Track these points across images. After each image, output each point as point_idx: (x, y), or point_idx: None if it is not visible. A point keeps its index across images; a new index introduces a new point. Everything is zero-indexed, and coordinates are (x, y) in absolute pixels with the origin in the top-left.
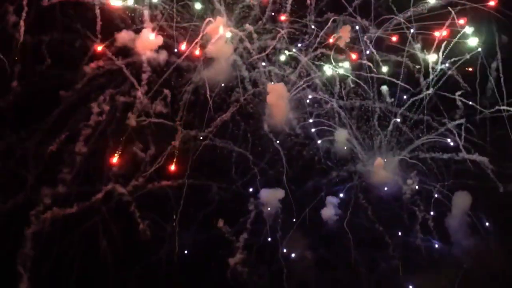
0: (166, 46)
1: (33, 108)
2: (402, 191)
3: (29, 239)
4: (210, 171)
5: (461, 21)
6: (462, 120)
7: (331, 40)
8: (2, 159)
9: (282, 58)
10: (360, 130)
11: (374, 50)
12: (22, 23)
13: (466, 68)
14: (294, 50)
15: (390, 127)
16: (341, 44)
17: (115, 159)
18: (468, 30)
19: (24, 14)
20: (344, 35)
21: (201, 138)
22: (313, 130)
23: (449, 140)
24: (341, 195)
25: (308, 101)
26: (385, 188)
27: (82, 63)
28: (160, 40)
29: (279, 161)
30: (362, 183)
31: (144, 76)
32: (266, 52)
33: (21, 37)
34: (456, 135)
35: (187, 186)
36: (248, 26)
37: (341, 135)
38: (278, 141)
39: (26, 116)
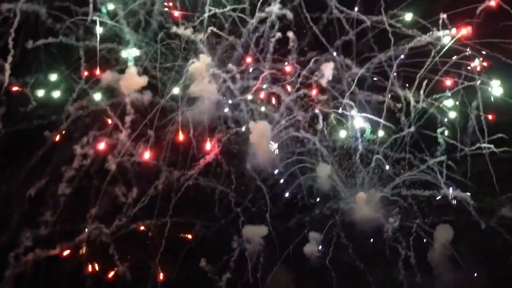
0: (150, 86)
1: (17, 149)
2: (384, 229)
3: (9, 281)
4: (194, 209)
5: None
6: (443, 157)
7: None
8: None
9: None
10: (342, 168)
11: (356, 89)
12: (7, 66)
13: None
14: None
15: (372, 164)
16: (323, 82)
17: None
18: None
19: (10, 57)
20: (326, 73)
21: (185, 177)
22: (295, 167)
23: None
24: (324, 231)
25: (290, 140)
26: (367, 225)
27: (66, 104)
28: (144, 80)
29: (262, 199)
30: (344, 219)
31: (128, 118)
32: (250, 92)
33: (6, 80)
34: (438, 172)
35: (170, 224)
36: (231, 66)
37: (323, 171)
38: (260, 179)
39: (10, 157)
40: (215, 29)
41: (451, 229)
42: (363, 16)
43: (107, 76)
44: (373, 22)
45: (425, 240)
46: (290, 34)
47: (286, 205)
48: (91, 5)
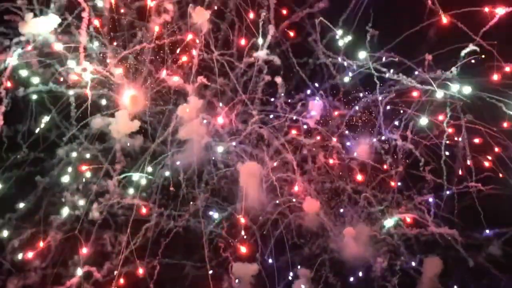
0: (141, 131)
1: (10, 194)
2: (373, 268)
3: None
4: (184, 250)
5: None
6: (431, 196)
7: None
8: None
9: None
10: (331, 208)
11: (344, 129)
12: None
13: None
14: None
15: (361, 203)
16: (311, 123)
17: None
18: None
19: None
20: (314, 113)
21: (175, 220)
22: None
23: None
24: (314, 269)
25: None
26: (356, 263)
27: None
28: (136, 124)
29: (252, 238)
30: (334, 257)
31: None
32: (239, 137)
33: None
34: (425, 210)
35: (161, 266)
36: (220, 110)
37: (312, 208)
38: (250, 219)
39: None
40: (203, 79)
41: (439, 261)
42: (348, 61)
43: (97, 121)
44: (358, 66)
45: (413, 276)
46: (278, 79)
47: (276, 243)
48: (82, 54)
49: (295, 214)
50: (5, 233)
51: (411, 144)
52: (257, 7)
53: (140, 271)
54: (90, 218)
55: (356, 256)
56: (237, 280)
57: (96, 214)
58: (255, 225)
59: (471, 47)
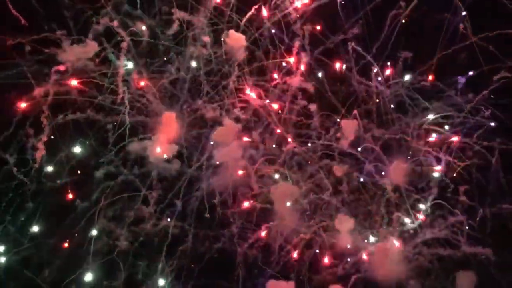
0: (178, 155)
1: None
2: None
3: None
4: (219, 270)
5: None
6: (463, 217)
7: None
8: None
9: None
10: (362, 225)
11: (378, 149)
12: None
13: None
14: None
15: (394, 223)
16: (345, 145)
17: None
18: None
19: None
20: (348, 135)
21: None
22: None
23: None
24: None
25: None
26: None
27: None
28: (173, 148)
29: (288, 256)
30: (366, 275)
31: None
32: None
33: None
34: (459, 232)
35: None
36: (255, 134)
37: (344, 224)
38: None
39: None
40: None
41: (473, 275)
42: (381, 87)
43: (135, 146)
44: (391, 92)
45: None
46: (313, 106)
47: (310, 262)
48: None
49: (328, 233)
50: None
51: (445, 166)
52: (291, 34)
53: None
54: (125, 246)
55: (389, 275)
56: None
57: (126, 243)
58: (290, 244)
59: (503, 73)
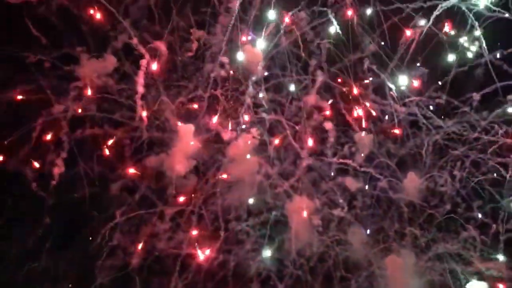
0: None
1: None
2: None
3: None
4: (233, 283)
5: None
6: (476, 233)
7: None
8: None
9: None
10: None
11: (393, 165)
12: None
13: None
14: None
15: (407, 237)
16: (360, 160)
17: None
18: None
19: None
20: (363, 149)
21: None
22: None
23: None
24: None
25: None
26: None
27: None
28: (191, 163)
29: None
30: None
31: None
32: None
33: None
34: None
35: None
36: (270, 149)
37: (356, 238)
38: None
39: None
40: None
41: (485, 285)
42: (396, 106)
43: (152, 160)
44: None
45: None
46: (328, 124)
47: (324, 277)
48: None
49: (341, 247)
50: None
51: (458, 183)
52: (307, 51)
53: None
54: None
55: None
56: None
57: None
58: (303, 258)
59: None
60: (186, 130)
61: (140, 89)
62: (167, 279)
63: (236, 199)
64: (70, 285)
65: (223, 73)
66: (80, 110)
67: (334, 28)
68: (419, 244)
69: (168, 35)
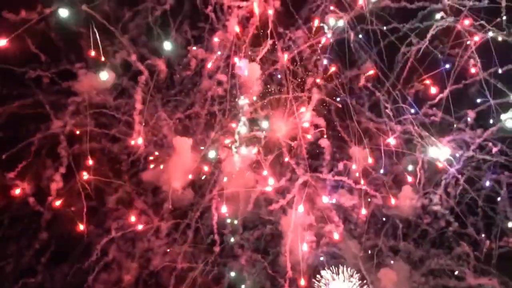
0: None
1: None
2: None
3: None
4: None
5: None
6: (469, 250)
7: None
8: None
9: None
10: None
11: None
12: None
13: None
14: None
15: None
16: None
17: None
18: None
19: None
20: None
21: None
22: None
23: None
24: None
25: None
26: None
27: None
28: (187, 178)
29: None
30: None
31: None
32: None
33: None
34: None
35: None
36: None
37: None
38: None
39: None
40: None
41: None
42: (391, 123)
43: (148, 174)
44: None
45: None
46: (324, 141)
47: None
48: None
49: (334, 260)
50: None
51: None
52: (304, 70)
53: None
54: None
55: None
56: None
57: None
58: (296, 272)
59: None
60: (183, 143)
61: (138, 105)
62: None
63: (232, 213)
64: None
65: (220, 91)
66: (77, 126)
67: (331, 46)
68: (413, 259)
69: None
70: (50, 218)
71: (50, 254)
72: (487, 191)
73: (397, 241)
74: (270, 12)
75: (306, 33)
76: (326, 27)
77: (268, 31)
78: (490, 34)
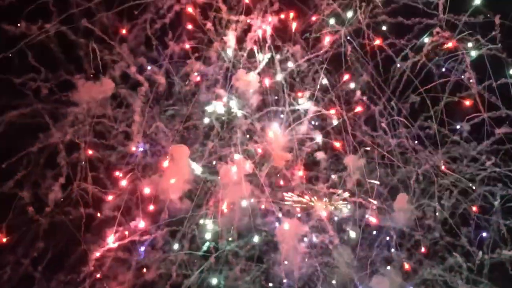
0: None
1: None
2: None
3: None
4: None
5: None
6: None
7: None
8: None
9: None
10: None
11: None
12: None
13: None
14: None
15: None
16: (351, 184)
17: None
18: None
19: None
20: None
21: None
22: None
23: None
24: None
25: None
26: None
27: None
28: (186, 186)
29: None
30: None
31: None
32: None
33: None
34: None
35: None
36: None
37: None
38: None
39: None
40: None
41: None
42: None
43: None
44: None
45: None
46: (320, 154)
47: None
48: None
49: (328, 268)
50: None
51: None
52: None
53: None
54: None
55: None
56: None
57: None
58: (291, 280)
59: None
60: (180, 151)
61: (137, 117)
62: None
63: (227, 222)
64: None
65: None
66: (75, 135)
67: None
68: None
69: (165, 63)
70: (47, 227)
71: (47, 262)
72: (481, 203)
73: (390, 251)
74: (268, 27)
75: (304, 47)
76: (325, 41)
77: (266, 46)
78: (484, 49)
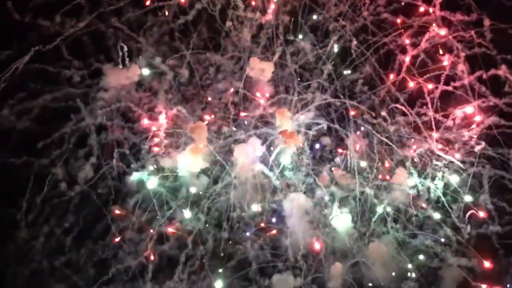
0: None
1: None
2: None
3: None
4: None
5: None
6: (451, 235)
7: None
8: None
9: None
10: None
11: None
12: None
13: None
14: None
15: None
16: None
17: None
18: None
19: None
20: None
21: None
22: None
23: None
24: None
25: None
26: None
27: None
28: (203, 164)
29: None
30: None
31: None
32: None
33: None
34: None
35: None
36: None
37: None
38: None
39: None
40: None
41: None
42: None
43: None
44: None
45: None
46: (326, 139)
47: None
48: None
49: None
50: None
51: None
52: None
53: None
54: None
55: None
56: None
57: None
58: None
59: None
60: (199, 129)
61: (160, 102)
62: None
63: (239, 198)
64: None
65: (236, 98)
66: (105, 118)
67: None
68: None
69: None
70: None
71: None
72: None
73: (386, 225)
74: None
75: (313, 42)
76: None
77: (278, 42)
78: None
